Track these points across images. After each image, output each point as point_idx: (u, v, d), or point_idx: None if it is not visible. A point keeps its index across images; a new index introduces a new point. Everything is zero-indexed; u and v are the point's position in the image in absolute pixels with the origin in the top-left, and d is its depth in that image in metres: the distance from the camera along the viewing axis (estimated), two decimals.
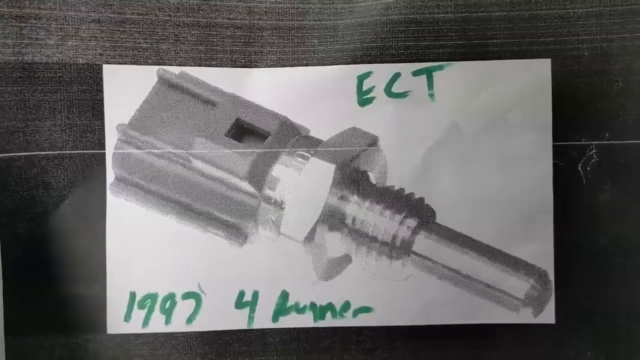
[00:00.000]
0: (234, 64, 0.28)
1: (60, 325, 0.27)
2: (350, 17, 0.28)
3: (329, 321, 0.28)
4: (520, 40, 0.27)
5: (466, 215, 0.28)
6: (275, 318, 0.28)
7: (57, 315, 0.27)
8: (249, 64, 0.28)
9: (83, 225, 0.27)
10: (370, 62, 0.27)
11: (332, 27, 0.28)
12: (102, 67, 0.27)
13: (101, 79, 0.27)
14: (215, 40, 0.27)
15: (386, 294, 0.28)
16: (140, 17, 0.27)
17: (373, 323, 0.28)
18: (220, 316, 0.28)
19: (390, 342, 0.28)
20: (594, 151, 0.27)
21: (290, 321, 0.28)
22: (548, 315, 0.28)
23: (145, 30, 0.27)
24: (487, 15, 0.27)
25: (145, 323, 0.28)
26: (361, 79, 0.27)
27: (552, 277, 0.28)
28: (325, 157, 0.27)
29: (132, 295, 0.27)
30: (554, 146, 0.27)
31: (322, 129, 0.28)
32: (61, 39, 0.27)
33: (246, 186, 0.27)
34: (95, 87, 0.27)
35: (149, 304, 0.27)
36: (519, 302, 0.27)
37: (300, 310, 0.28)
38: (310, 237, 0.27)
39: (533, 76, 0.27)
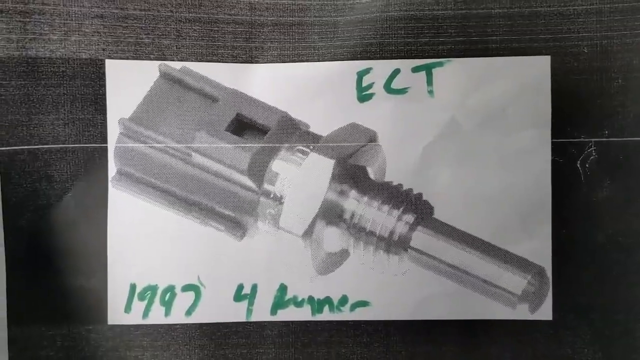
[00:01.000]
0: (235, 60, 0.28)
1: (62, 315, 0.28)
2: (350, 14, 0.28)
3: (326, 315, 0.28)
4: (520, 37, 0.27)
5: (464, 211, 0.28)
6: (273, 311, 0.28)
7: (59, 306, 0.28)
8: (250, 59, 0.28)
9: (85, 218, 0.28)
10: (370, 59, 0.28)
11: (333, 23, 0.28)
12: (104, 62, 0.27)
13: (103, 73, 0.27)
14: (216, 36, 0.28)
15: (383, 288, 0.28)
16: (143, 12, 0.27)
17: (370, 317, 0.28)
18: (219, 308, 0.28)
19: (386, 336, 0.28)
20: (593, 148, 0.27)
21: (289, 314, 0.28)
22: (545, 312, 0.28)
23: (148, 25, 0.27)
24: (487, 12, 0.27)
25: (145, 314, 0.28)
26: (361, 75, 0.28)
27: (549, 273, 0.28)
28: (324, 153, 0.27)
29: (133, 287, 0.28)
30: (552, 143, 0.27)
31: (322, 125, 0.28)
32: (64, 34, 0.27)
33: (246, 181, 0.27)
34: (97, 82, 0.27)
35: (149, 295, 0.28)
36: (516, 298, 0.27)
37: (298, 303, 0.28)
38: (309, 232, 0.27)
39: (532, 73, 0.27)
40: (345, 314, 0.28)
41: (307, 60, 0.28)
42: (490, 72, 0.28)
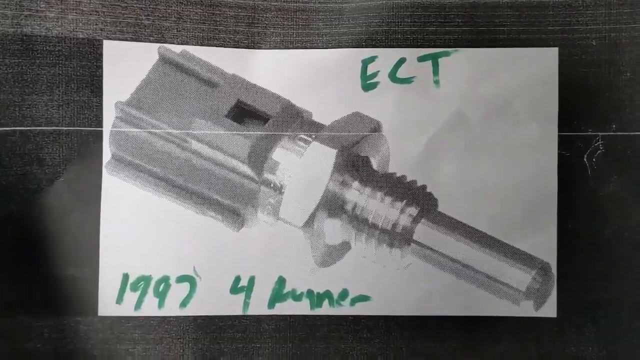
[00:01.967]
0: (237, 45, 0.27)
1: (50, 306, 0.27)
2: (356, 1, 0.27)
3: (326, 309, 0.27)
4: (528, 28, 0.27)
5: (468, 205, 0.27)
6: (271, 304, 0.27)
7: (47, 296, 0.27)
8: (252, 45, 0.27)
9: (77, 204, 0.27)
10: (375, 47, 0.27)
11: (338, 10, 0.27)
12: (102, 42, 0.26)
13: (101, 54, 0.26)
14: (218, 19, 0.27)
15: (385, 283, 0.27)
16: None
17: (371, 312, 0.27)
18: (215, 301, 0.27)
19: (387, 332, 0.27)
20: (600, 142, 0.27)
21: (287, 308, 0.27)
22: (549, 309, 0.27)
23: (148, 6, 0.27)
24: (495, 1, 0.27)
25: (138, 306, 0.27)
26: (366, 63, 0.27)
27: (554, 269, 0.27)
28: (326, 142, 0.27)
29: (125, 277, 0.27)
30: (559, 136, 0.27)
31: (325, 113, 0.27)
32: (61, 11, 0.26)
33: (245, 169, 0.27)
34: (94, 63, 0.26)
35: (142, 286, 0.27)
36: (520, 294, 0.26)
37: (297, 297, 0.27)
38: (309, 223, 0.27)
39: (540, 65, 0.27)
40: (345, 309, 0.27)
41: (311, 47, 0.27)
42: (497, 63, 0.27)
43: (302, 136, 0.27)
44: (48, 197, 0.26)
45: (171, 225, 0.27)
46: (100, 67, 0.26)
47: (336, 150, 0.26)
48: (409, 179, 0.27)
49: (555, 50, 0.27)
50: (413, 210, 0.27)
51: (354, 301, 0.27)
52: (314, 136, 0.27)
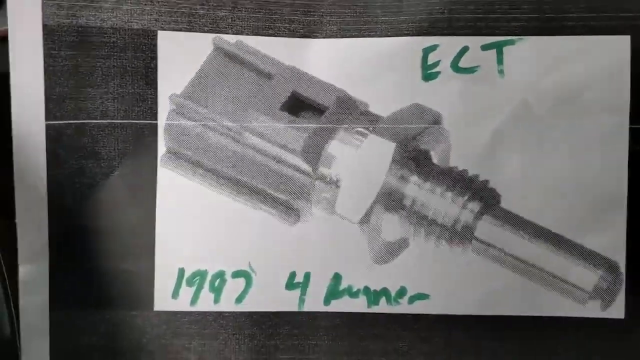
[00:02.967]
0: (293, 34, 0.26)
1: (106, 300, 0.26)
2: None
3: (383, 307, 0.27)
4: (598, 15, 0.26)
5: (533, 201, 0.26)
6: (327, 301, 0.27)
7: (103, 291, 0.26)
8: (308, 34, 0.26)
9: (132, 198, 0.26)
10: (436, 35, 0.26)
11: None
12: (157, 33, 0.26)
13: (155, 45, 0.26)
14: (273, 8, 0.26)
15: (445, 280, 0.26)
16: None
17: (430, 311, 0.27)
18: (270, 297, 0.27)
19: (447, 331, 0.27)
20: None
21: (343, 305, 0.27)
22: (617, 309, 0.26)
23: None
24: None
25: (194, 301, 0.27)
26: (427, 52, 0.26)
27: (623, 268, 0.26)
28: (384, 135, 0.26)
29: (181, 272, 0.26)
30: (630, 129, 0.26)
31: (383, 105, 0.26)
32: (117, 2, 0.26)
33: (300, 163, 0.26)
34: (149, 54, 0.26)
35: (198, 281, 0.26)
36: (587, 294, 0.26)
37: (353, 294, 0.27)
38: (366, 218, 0.26)
39: (611, 54, 0.26)
40: (404, 307, 0.27)
41: (369, 36, 0.26)
42: (565, 52, 0.26)
43: (359, 129, 0.26)
44: (103, 191, 0.26)
45: (226, 219, 0.26)
46: (155, 58, 0.26)
47: (395, 144, 0.26)
48: (470, 173, 0.26)
49: (627, 39, 0.26)
50: (475, 206, 0.26)
51: (412, 299, 0.27)
52: (371, 128, 0.26)
